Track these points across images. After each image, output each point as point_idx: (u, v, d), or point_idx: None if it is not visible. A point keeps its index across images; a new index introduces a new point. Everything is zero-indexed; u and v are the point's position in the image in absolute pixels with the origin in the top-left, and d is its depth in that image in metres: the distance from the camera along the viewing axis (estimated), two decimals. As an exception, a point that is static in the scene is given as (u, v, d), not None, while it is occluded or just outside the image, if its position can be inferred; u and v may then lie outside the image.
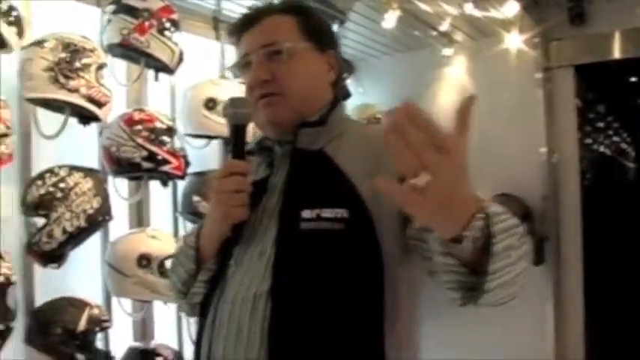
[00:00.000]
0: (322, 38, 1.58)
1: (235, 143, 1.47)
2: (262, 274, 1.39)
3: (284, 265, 1.38)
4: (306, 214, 1.38)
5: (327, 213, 1.37)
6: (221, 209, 1.45)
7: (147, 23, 2.74)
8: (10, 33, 2.34)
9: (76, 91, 2.51)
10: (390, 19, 3.54)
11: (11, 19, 2.34)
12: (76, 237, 2.52)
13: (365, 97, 4.34)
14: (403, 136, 0.93)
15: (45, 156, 2.72)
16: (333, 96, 1.59)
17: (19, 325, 2.42)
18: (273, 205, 1.47)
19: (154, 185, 3.02)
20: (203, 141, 3.25)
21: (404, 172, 0.96)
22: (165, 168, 2.82)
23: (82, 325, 2.45)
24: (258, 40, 1.53)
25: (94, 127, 2.78)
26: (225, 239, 1.49)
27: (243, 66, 1.57)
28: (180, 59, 2.87)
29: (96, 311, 2.51)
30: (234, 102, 1.48)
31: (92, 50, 2.56)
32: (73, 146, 2.81)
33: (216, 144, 3.36)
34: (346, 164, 1.44)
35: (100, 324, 2.51)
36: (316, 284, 1.34)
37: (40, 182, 2.52)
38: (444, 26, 3.95)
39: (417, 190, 0.95)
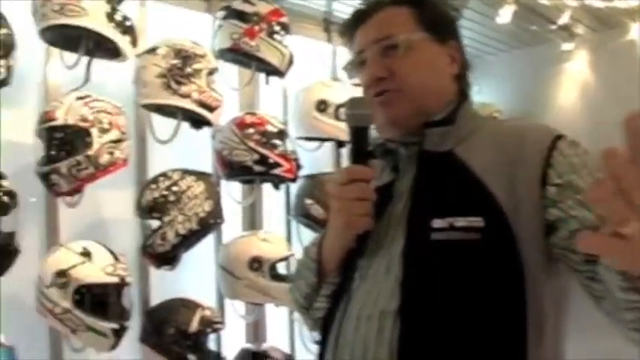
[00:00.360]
0: (442, 28, 1.45)
1: (356, 147, 1.33)
2: (390, 290, 1.27)
3: (414, 282, 1.26)
4: (437, 223, 1.25)
5: (460, 222, 1.24)
6: (343, 219, 1.33)
7: (256, 27, 2.76)
8: (124, 42, 2.41)
9: (187, 96, 2.55)
10: (506, 14, 3.41)
11: (125, 28, 2.40)
12: (189, 239, 2.57)
13: (481, 96, 4.20)
14: (620, 178, 0.74)
15: (160, 160, 2.79)
16: (459, 91, 1.45)
17: (135, 325, 2.49)
18: (400, 213, 1.35)
19: (267, 188, 3.03)
20: (315, 143, 3.24)
21: (607, 216, 0.78)
22: (277, 171, 2.83)
23: (194, 326, 2.49)
24: (371, 35, 1.42)
25: (207, 131, 2.82)
26: (349, 251, 1.37)
27: (358, 64, 1.46)
28: (291, 62, 2.87)
29: (208, 313, 2.55)
30: (353, 102, 1.36)
31: (203, 56, 2.60)
32: (187, 150, 2.88)
33: (328, 146, 3.34)
34: (479, 166, 1.30)
35: (212, 325, 2.54)
36: (450, 302, 1.22)
37: (154, 186, 2.59)
38: (564, 19, 3.74)
39: (622, 236, 0.78)
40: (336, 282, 1.39)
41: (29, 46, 2.42)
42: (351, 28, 1.48)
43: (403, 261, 1.27)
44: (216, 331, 2.58)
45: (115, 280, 2.29)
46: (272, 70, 2.90)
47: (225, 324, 2.71)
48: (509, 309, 1.22)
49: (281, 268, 2.87)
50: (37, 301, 2.28)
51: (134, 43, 2.46)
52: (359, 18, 1.46)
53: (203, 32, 2.89)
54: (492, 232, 1.22)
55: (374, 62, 1.40)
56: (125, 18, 2.40)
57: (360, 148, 1.33)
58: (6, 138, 2.50)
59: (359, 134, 1.33)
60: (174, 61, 2.54)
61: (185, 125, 2.70)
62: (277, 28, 2.81)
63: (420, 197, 1.33)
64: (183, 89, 2.54)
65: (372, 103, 1.39)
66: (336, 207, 1.34)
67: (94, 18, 2.32)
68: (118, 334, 2.28)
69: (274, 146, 2.83)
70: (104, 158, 2.35)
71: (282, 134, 2.88)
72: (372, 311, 1.27)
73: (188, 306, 2.55)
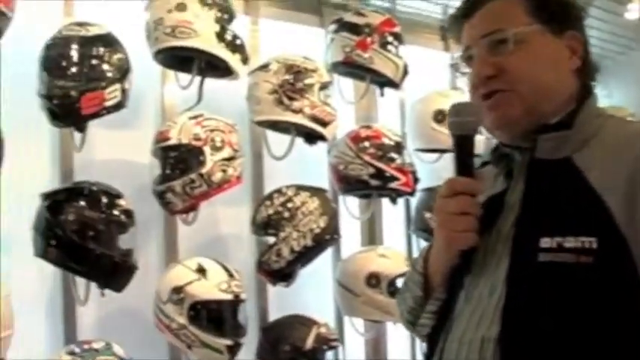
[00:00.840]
0: (558, 17, 1.28)
1: (460, 157, 1.23)
2: (492, 314, 1.16)
3: (516, 308, 1.14)
4: (545, 242, 1.13)
5: (570, 242, 1.11)
6: (444, 234, 1.23)
7: (369, 39, 2.72)
8: (235, 61, 2.43)
9: (300, 111, 2.54)
10: (635, 10, 3.18)
11: (235, 47, 2.42)
12: (304, 256, 2.54)
13: (610, 99, 3.93)
14: None
15: (276, 176, 2.79)
16: (581, 87, 1.28)
17: (252, 341, 2.50)
18: (508, 228, 1.22)
19: (387, 202, 2.97)
20: (434, 155, 3.15)
21: None
22: (394, 185, 2.77)
23: (310, 343, 2.46)
24: (478, 29, 1.29)
25: (323, 146, 2.80)
26: (454, 266, 1.26)
27: (466, 62, 1.32)
28: (405, 73, 2.80)
29: (324, 330, 2.51)
30: (456, 109, 1.24)
31: (314, 70, 2.58)
32: (303, 166, 2.87)
33: (447, 158, 3.23)
34: (597, 178, 1.16)
35: (328, 343, 2.51)
36: (554, 332, 1.10)
37: (268, 202, 2.59)
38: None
39: None
40: (442, 298, 1.29)
41: (146, 68, 2.50)
42: (458, 22, 1.34)
43: (506, 284, 1.16)
44: (332, 348, 2.53)
45: (229, 296, 2.30)
46: (386, 82, 2.85)
47: (342, 341, 2.66)
48: (626, 345, 1.08)
49: (400, 285, 2.79)
50: (155, 317, 2.33)
51: (245, 61, 2.48)
52: (466, 11, 1.32)
53: (316, 47, 2.88)
54: (607, 256, 1.09)
55: (481, 59, 1.26)
56: (235, 37, 2.43)
57: (465, 158, 1.23)
58: (125, 158, 2.60)
59: (463, 143, 1.23)
60: (286, 77, 2.54)
61: (300, 141, 2.70)
62: (390, 38, 2.76)
63: (528, 212, 1.20)
64: (296, 105, 2.54)
65: (480, 105, 1.27)
66: (437, 221, 1.25)
67: (205, 38, 2.36)
68: (233, 350, 2.29)
69: (391, 159, 2.77)
70: (217, 176, 2.37)
71: (398, 147, 2.82)
72: (474, 336, 1.17)
73: (304, 323, 2.53)
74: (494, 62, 1.24)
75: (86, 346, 2.16)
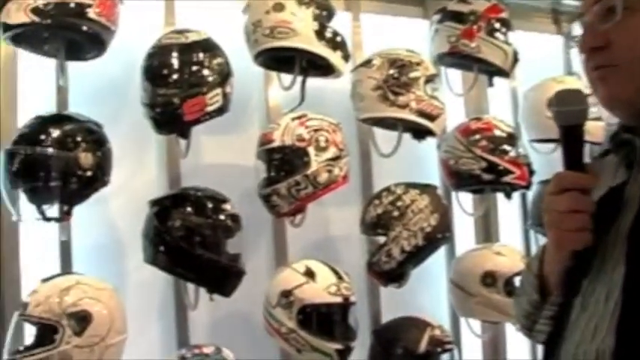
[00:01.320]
0: None
1: (568, 149, 1.12)
2: (607, 324, 1.05)
3: (633, 318, 1.02)
4: None
5: None
6: (554, 234, 1.13)
7: (474, 27, 2.61)
8: (336, 58, 2.38)
9: (406, 106, 2.46)
10: None
11: (335, 44, 2.37)
12: (415, 256, 2.46)
13: None
14: None
15: (385, 174, 2.73)
16: None
17: (364, 344, 2.44)
18: (628, 226, 1.09)
19: (501, 197, 2.85)
20: (550, 145, 2.97)
21: None
22: (508, 179, 2.65)
23: (423, 346, 2.38)
24: None
25: (432, 141, 2.71)
26: (569, 269, 1.14)
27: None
28: (516, 60, 2.67)
29: (438, 332, 2.42)
30: (560, 97, 1.13)
31: (419, 63, 2.50)
32: (412, 162, 2.79)
33: (566, 148, 3.06)
34: None
35: (442, 346, 2.41)
36: None
37: (377, 201, 2.52)
38: None
39: None
40: (559, 303, 1.16)
41: (249, 71, 2.50)
42: None
43: (623, 290, 1.03)
44: (447, 351, 2.43)
45: (338, 299, 2.26)
46: (496, 71, 2.72)
47: (458, 344, 2.56)
48: None
49: (517, 283, 2.66)
50: (265, 321, 2.31)
51: (346, 58, 2.43)
52: None
53: (421, 39, 2.79)
54: None
55: (589, 29, 1.15)
56: (335, 34, 2.38)
57: (573, 151, 1.11)
58: (232, 162, 2.60)
59: (570, 134, 1.11)
60: (390, 72, 2.47)
61: (408, 137, 2.62)
62: (497, 25, 2.63)
63: None
64: (401, 100, 2.46)
65: (591, 78, 1.15)
66: (546, 220, 1.13)
67: (304, 37, 2.32)
68: (343, 354, 2.25)
69: (504, 152, 2.65)
70: (323, 177, 2.33)
71: (512, 138, 2.69)
72: (589, 348, 1.06)
73: (417, 325, 2.44)
74: (602, 32, 1.12)
75: (197, 351, 2.18)
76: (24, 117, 2.16)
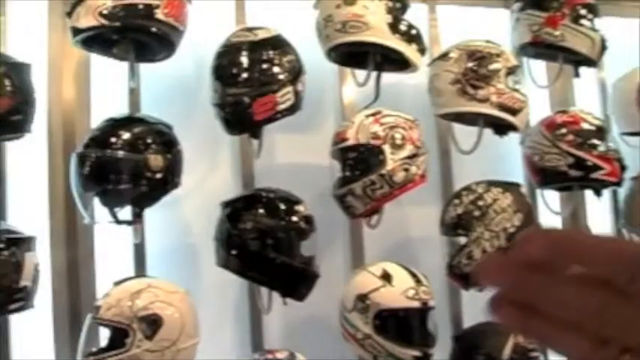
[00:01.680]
0: None
1: None
2: None
3: None
4: None
5: None
6: None
7: (558, 14, 2.46)
8: (411, 52, 2.29)
9: (486, 100, 2.35)
10: None
11: (410, 37, 2.28)
12: (499, 257, 2.34)
13: None
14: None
15: (466, 172, 2.61)
16: None
17: (444, 350, 2.34)
18: None
19: (590, 195, 2.69)
20: (642, 139, 2.81)
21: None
22: (597, 175, 2.49)
23: (507, 354, 2.25)
24: None
25: (515, 136, 2.58)
26: None
27: None
28: (603, 48, 2.51)
29: (522, 339, 2.29)
30: None
31: (499, 54, 2.38)
32: (494, 159, 2.67)
33: (662, 141, 2.88)
34: None
35: (527, 354, 2.27)
36: None
37: (457, 201, 2.41)
38: None
39: None
40: None
41: (323, 68, 2.44)
42: None
43: None
44: (532, 359, 2.30)
45: (416, 304, 2.16)
46: (582, 60, 2.56)
47: (544, 352, 2.42)
48: None
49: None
50: (341, 326, 2.24)
51: (422, 51, 2.33)
52: None
53: (501, 29, 2.65)
54: None
55: None
56: (410, 26, 2.29)
57: None
58: (306, 162, 2.55)
59: None
60: (469, 65, 2.35)
61: (489, 132, 2.50)
62: (583, 11, 2.47)
63: None
64: (481, 93, 2.34)
65: None
66: None
67: (377, 31, 2.24)
68: (421, 362, 2.15)
69: (592, 146, 2.49)
70: (399, 176, 2.24)
71: (600, 132, 2.53)
72: None
73: (501, 331, 2.30)
74: None
75: (270, 356, 2.13)
76: (98, 120, 2.16)
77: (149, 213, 2.17)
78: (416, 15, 2.42)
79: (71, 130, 2.28)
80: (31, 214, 2.26)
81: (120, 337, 1.92)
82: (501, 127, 2.47)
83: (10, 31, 2.25)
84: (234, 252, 2.11)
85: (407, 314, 2.18)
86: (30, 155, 2.28)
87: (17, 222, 2.17)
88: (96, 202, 2.07)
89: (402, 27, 2.28)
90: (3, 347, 2.17)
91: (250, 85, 2.13)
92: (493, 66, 2.36)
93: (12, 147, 2.21)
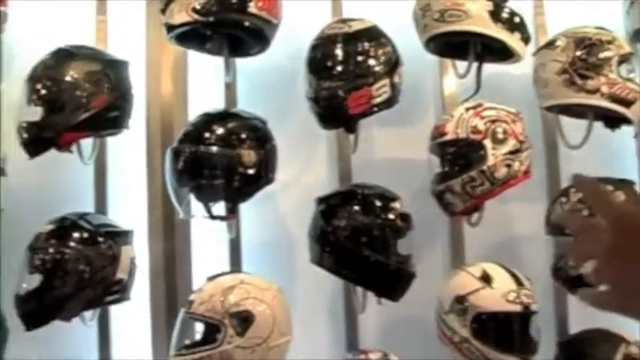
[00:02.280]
0: None
1: None
2: None
3: None
4: None
5: None
6: None
7: (679, -4, 2.28)
8: (514, 40, 2.18)
9: (596, 91, 2.20)
10: None
11: (513, 25, 2.17)
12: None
13: None
14: None
15: (574, 168, 2.46)
16: None
17: (548, 356, 2.23)
18: None
19: None
20: None
21: None
22: None
23: (617, 363, 2.11)
24: None
25: (628, 129, 2.42)
26: None
27: None
28: None
29: (634, 349, 2.13)
30: None
31: (611, 41, 2.22)
32: (605, 154, 2.52)
33: None
34: None
35: (637, 363, 2.13)
36: None
37: (564, 199, 2.28)
38: None
39: None
40: None
41: (423, 60, 2.36)
42: None
43: None
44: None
45: (517, 308, 2.05)
46: None
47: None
48: None
49: None
50: (438, 328, 2.16)
51: (526, 40, 2.21)
52: None
53: (613, 15, 2.49)
54: None
55: None
56: (512, 14, 2.17)
57: None
58: (406, 157, 2.48)
59: None
60: (577, 53, 2.21)
61: (600, 125, 2.35)
62: None
63: None
64: (590, 84, 2.20)
65: None
66: None
67: (477, 20, 2.13)
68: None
69: None
70: (501, 172, 2.13)
71: None
72: None
73: (609, 339, 2.17)
74: None
75: (362, 356, 2.09)
76: (195, 115, 2.16)
77: (245, 208, 2.17)
78: (520, 3, 2.30)
79: (169, 126, 2.29)
80: (130, 209, 2.30)
81: (212, 332, 1.92)
82: (613, 120, 2.31)
83: (109, 29, 2.30)
84: (327, 249, 2.06)
85: (507, 318, 2.07)
86: (129, 150, 2.32)
87: (117, 216, 2.21)
88: (192, 196, 2.09)
89: (504, 15, 2.16)
90: (104, 339, 2.22)
91: (345, 78, 2.07)
92: (604, 54, 2.20)
93: (112, 142, 2.26)
